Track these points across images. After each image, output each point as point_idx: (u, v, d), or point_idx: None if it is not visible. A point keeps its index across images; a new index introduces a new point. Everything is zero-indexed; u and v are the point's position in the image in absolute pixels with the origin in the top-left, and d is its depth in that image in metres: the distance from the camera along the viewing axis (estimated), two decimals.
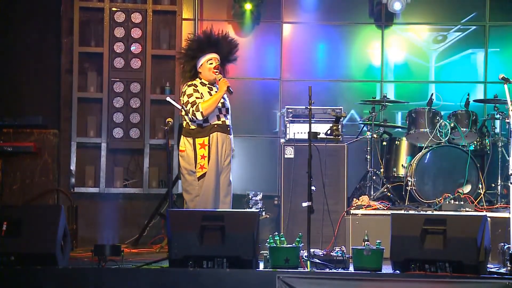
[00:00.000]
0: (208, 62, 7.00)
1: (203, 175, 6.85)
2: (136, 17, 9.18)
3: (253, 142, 9.62)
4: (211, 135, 6.89)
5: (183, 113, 6.98)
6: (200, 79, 7.04)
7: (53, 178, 8.65)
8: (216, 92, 6.96)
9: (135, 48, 9.14)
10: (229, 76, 9.40)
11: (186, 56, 7.08)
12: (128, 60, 9.12)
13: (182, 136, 7.01)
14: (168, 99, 7.77)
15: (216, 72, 6.98)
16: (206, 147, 6.87)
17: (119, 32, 9.13)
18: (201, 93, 6.94)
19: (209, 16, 9.66)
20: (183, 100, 6.95)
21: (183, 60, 7.11)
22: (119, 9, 9.17)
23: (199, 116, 6.84)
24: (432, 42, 9.75)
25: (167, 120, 6.93)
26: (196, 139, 6.90)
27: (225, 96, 7.02)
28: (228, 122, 7.01)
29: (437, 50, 9.73)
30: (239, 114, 9.51)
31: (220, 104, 6.94)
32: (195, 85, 6.99)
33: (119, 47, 9.12)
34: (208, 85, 7.02)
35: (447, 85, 9.65)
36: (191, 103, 6.86)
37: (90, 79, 9.18)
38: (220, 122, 6.95)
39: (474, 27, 9.67)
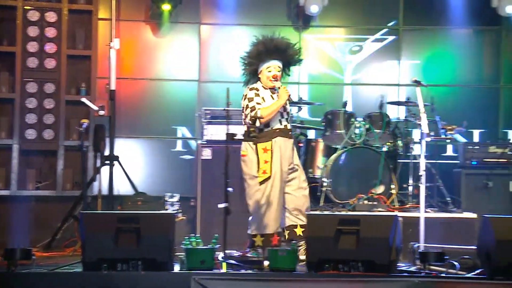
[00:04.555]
0: (267, 69, 6.88)
1: (266, 180, 6.76)
2: (51, 16, 9.00)
3: (170, 143, 9.59)
4: (273, 139, 6.80)
5: (243, 116, 6.90)
6: (261, 83, 6.94)
7: None
8: (277, 97, 6.85)
9: (49, 47, 8.96)
10: (146, 77, 9.48)
11: (246, 63, 6.97)
12: (42, 60, 8.93)
13: (243, 140, 6.90)
14: (83, 100, 7.68)
15: (274, 80, 6.85)
16: (269, 152, 6.77)
17: (32, 31, 8.93)
18: (262, 97, 6.84)
19: (127, 16, 9.58)
20: (243, 104, 6.86)
21: (243, 66, 6.99)
22: (32, 8, 8.97)
23: (257, 122, 6.77)
24: (348, 53, 9.89)
25: (82, 121, 6.84)
26: (258, 144, 6.79)
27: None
28: (289, 126, 6.91)
29: (353, 61, 9.88)
30: (156, 115, 9.52)
31: (281, 109, 6.85)
32: (257, 89, 6.87)
33: (32, 47, 8.92)
34: (270, 89, 6.91)
35: (362, 90, 9.81)
36: (250, 108, 6.77)
37: (2, 79, 8.96)
38: (282, 127, 6.86)
39: (393, 37, 9.82)
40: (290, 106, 7.12)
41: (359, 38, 9.92)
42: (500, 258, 5.76)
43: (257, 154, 6.80)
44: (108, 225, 5.93)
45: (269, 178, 6.74)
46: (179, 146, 9.63)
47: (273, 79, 6.82)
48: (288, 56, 6.94)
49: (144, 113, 9.62)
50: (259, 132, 6.81)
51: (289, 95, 6.83)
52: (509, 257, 5.75)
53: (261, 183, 6.76)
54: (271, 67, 6.85)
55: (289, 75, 7.08)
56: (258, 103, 6.79)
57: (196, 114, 9.29)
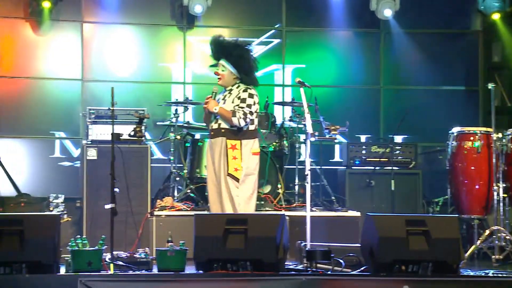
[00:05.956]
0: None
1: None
2: None
3: (53, 143, 9.39)
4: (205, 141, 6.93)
5: None
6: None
7: None
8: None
9: None
10: (26, 76, 9.24)
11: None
12: None
13: None
14: None
15: (218, 79, 6.81)
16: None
17: None
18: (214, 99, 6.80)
19: (5, 13, 9.34)
20: None
21: None
22: None
23: None
24: None
25: None
26: None
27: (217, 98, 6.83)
28: (215, 126, 6.77)
29: None
30: (39, 115, 9.31)
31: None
32: (214, 92, 6.83)
33: None
34: (228, 90, 6.83)
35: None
36: None
37: None
38: (211, 128, 6.84)
39: (277, 40, 9.95)
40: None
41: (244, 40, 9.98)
42: (383, 254, 5.93)
43: None
44: None
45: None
46: (57, 153, 9.43)
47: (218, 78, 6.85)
48: (233, 57, 6.81)
49: (27, 113, 9.39)
50: None
51: (205, 107, 6.77)
52: (392, 254, 5.93)
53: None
54: (217, 67, 6.85)
55: (247, 83, 6.83)
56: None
57: (80, 113, 9.13)
